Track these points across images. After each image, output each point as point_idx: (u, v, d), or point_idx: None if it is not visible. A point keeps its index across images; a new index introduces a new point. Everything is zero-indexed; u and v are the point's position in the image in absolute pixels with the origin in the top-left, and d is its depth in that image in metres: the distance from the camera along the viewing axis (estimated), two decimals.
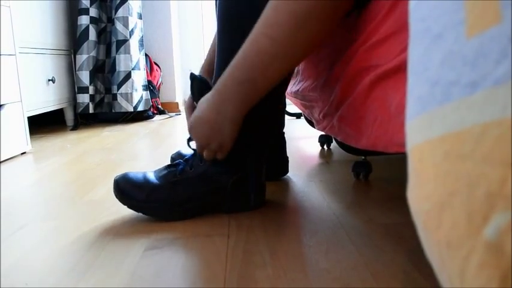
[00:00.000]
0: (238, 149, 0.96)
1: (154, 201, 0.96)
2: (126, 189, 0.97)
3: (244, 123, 0.90)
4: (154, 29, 3.26)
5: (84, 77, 2.79)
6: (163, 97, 3.32)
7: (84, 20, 2.79)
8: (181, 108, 3.38)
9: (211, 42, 1.19)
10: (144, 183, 0.97)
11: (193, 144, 0.98)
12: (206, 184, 0.97)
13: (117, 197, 0.99)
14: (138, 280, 0.72)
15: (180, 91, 3.48)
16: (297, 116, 2.60)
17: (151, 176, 1.00)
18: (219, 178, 0.98)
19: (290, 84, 1.28)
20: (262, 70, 0.79)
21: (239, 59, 0.81)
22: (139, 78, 2.91)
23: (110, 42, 2.94)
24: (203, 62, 1.19)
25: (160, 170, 1.02)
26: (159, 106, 3.13)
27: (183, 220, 0.98)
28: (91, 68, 2.81)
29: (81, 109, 2.80)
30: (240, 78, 0.82)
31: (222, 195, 0.99)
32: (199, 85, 0.98)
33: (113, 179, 1.00)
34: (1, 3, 1.78)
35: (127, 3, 2.82)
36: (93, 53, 2.82)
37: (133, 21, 2.88)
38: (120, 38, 2.84)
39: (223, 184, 0.98)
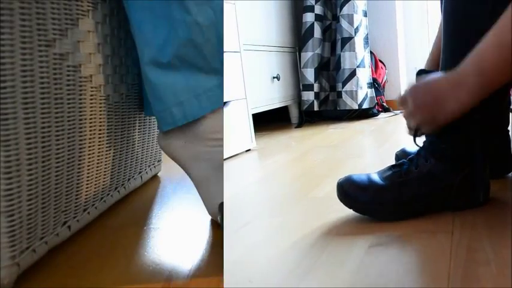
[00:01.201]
0: (463, 145, 0.95)
1: (379, 202, 0.95)
2: (350, 191, 0.97)
3: (469, 120, 0.90)
4: (379, 27, 3.21)
5: (309, 74, 2.82)
6: (388, 95, 3.24)
7: (309, 17, 2.81)
8: None
9: (435, 39, 1.21)
10: (369, 184, 0.97)
11: (419, 140, 0.97)
12: (432, 183, 0.95)
13: (341, 200, 0.99)
14: (362, 278, 0.71)
15: (405, 89, 3.36)
16: None
17: (376, 177, 0.99)
18: (445, 176, 0.95)
19: None
20: (500, 62, 0.80)
21: (481, 49, 0.82)
22: (364, 75, 2.85)
23: (335, 39, 2.92)
24: (427, 61, 1.22)
25: (384, 171, 1.01)
26: (384, 104, 3.05)
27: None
28: (316, 65, 2.83)
29: (305, 106, 2.85)
30: (479, 66, 0.83)
31: (448, 193, 0.96)
32: None
33: (336, 183, 1.01)
34: (226, 1, 1.82)
35: (352, 1, 2.77)
36: (318, 51, 2.83)
37: (358, 18, 2.82)
38: (345, 35, 2.80)
39: (449, 182, 0.95)
